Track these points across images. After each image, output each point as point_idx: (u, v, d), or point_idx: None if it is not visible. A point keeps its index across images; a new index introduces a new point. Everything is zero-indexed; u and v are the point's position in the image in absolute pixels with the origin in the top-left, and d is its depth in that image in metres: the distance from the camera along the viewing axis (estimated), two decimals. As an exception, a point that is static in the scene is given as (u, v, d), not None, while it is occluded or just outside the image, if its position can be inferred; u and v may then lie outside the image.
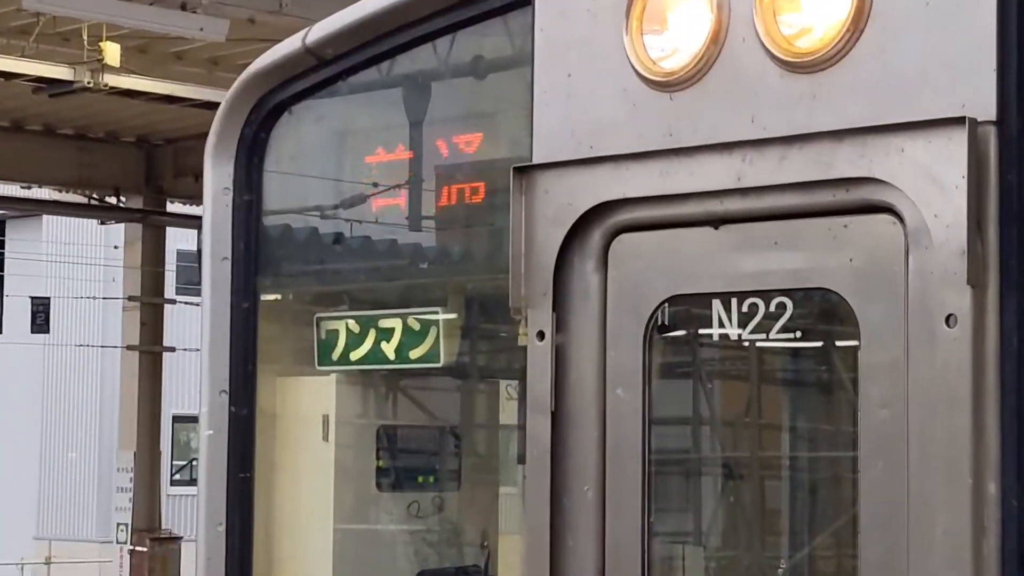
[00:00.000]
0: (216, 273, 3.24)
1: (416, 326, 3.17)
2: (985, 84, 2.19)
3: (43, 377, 21.61)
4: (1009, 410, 2.18)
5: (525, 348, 2.64)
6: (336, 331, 3.29)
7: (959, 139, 2.15)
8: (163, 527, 12.78)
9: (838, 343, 2.64)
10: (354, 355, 3.26)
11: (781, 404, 3.02)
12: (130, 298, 12.86)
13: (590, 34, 2.65)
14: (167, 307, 13.31)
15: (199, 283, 3.35)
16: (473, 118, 3.15)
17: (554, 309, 2.60)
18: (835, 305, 2.48)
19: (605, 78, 2.62)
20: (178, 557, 12.08)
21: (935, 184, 2.21)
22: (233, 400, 3.13)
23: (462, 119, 3.17)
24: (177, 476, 14.95)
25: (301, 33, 3.06)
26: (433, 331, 3.12)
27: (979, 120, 2.15)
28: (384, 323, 3.19)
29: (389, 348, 3.18)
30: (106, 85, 8.65)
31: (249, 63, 3.30)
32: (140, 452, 12.89)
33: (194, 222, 11.65)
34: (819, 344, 2.76)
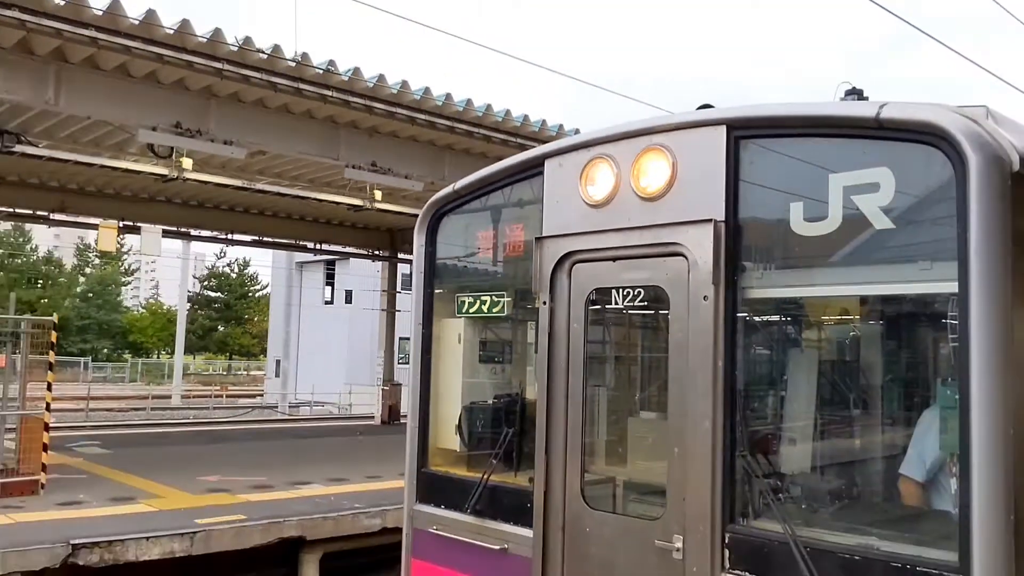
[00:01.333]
0: (418, 278, 6.09)
1: (496, 299, 6.25)
2: (718, 205, 4.39)
3: (350, 322, 46.81)
4: (726, 332, 4.30)
5: (538, 308, 5.29)
6: (464, 300, 5.99)
7: (709, 227, 4.38)
8: (395, 379, 26.31)
9: (662, 309, 4.79)
10: (471, 310, 5.98)
11: (639, 335, 5.66)
12: (383, 291, 26.93)
13: (565, 184, 5.12)
14: (397, 296, 26.75)
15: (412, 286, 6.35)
16: (519, 219, 5.67)
17: (549, 292, 5.13)
18: (661, 293, 4.71)
19: (571, 202, 5.06)
20: (399, 392, 25.68)
21: (700, 245, 4.43)
22: (424, 327, 6.06)
23: (515, 220, 5.71)
24: (400, 359, 26.95)
25: (453, 184, 5.87)
26: (502, 302, 5.93)
27: (717, 220, 4.41)
28: (483, 297, 6.00)
29: (484, 307, 5.96)
30: (374, 208, 17.40)
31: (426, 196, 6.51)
32: (386, 350, 27.90)
33: (409, 262, 20.98)
34: (654, 309, 5.09)
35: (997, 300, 3.58)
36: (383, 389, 27.01)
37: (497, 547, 5.39)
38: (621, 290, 5.04)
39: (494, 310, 5.92)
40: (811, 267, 4.32)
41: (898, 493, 4.37)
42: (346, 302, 47.70)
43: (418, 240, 6.22)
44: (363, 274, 41.86)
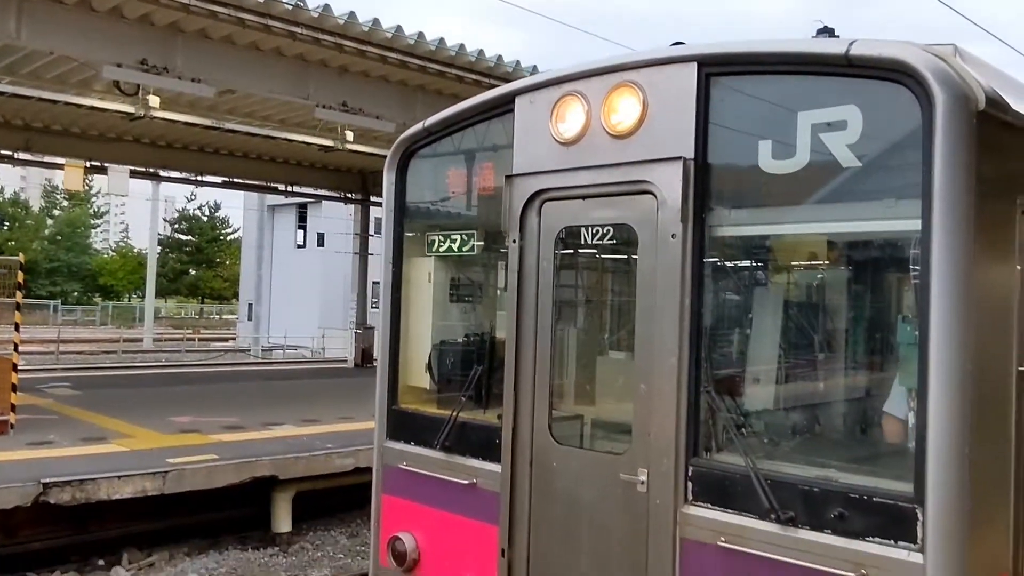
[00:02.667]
0: (387, 216, 6.05)
1: (466, 238, 6.21)
2: (687, 143, 4.36)
3: (323, 266, 46.10)
4: (693, 270, 4.31)
5: (508, 247, 5.22)
6: (434, 239, 5.96)
7: (679, 165, 4.36)
8: (367, 323, 26.18)
9: (631, 246, 4.79)
10: (441, 249, 5.96)
11: (608, 272, 5.67)
12: (356, 234, 26.70)
13: (535, 122, 5.08)
14: (370, 239, 26.47)
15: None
16: (489, 158, 5.65)
17: (519, 231, 5.11)
18: (630, 230, 4.70)
19: (541, 140, 5.03)
20: (372, 335, 25.09)
21: (669, 183, 4.40)
22: (394, 266, 6.02)
23: (485, 158, 5.68)
24: (373, 303, 26.12)
25: (423, 121, 5.78)
26: (472, 241, 5.88)
27: (686, 158, 4.39)
28: (453, 235, 5.94)
29: (455, 246, 5.94)
30: (346, 149, 16.68)
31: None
32: (359, 294, 28.04)
33: (382, 205, 22.64)
34: (624, 246, 4.99)
35: (959, 238, 3.63)
36: (356, 333, 27.09)
37: (466, 482, 5.46)
38: (590, 228, 5.03)
39: (464, 249, 5.91)
40: (778, 205, 4.35)
41: (861, 428, 4.47)
42: (318, 245, 47.42)
43: (387, 178, 6.16)
44: (336, 217, 41.60)
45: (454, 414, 5.60)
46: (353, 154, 19.54)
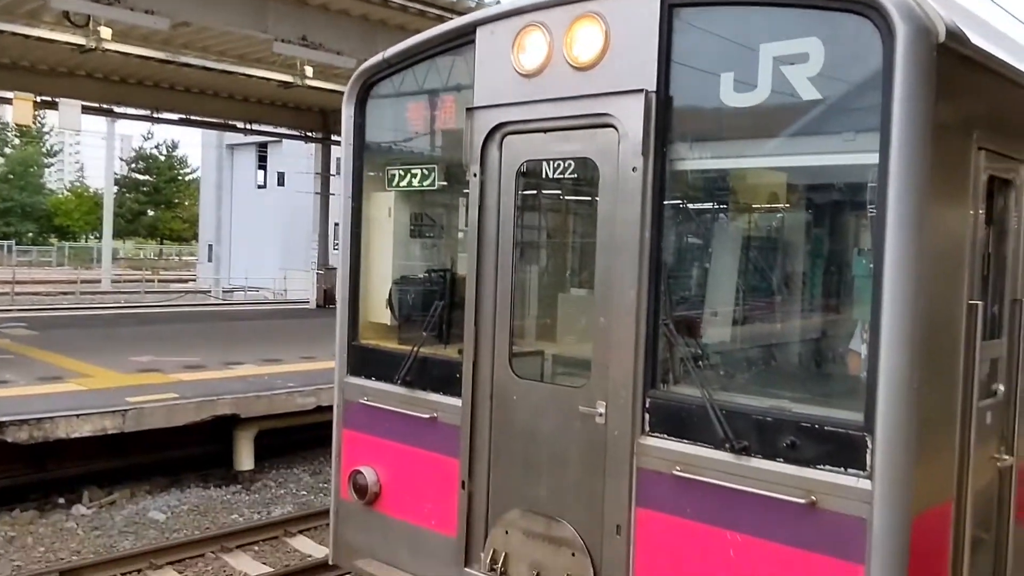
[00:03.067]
0: (347, 151, 5.94)
1: (426, 171, 6.12)
2: (649, 75, 4.31)
3: (284, 206, 45.29)
4: (653, 204, 4.31)
5: (468, 181, 5.17)
6: (394, 174, 5.88)
7: (640, 97, 4.31)
8: (329, 263, 26.31)
9: (592, 179, 4.78)
10: (401, 183, 5.88)
11: (569, 205, 5.70)
12: (317, 174, 26.55)
13: (497, 53, 5.00)
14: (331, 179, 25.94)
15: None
16: (450, 90, 5.54)
17: (480, 165, 5.06)
18: (591, 164, 4.69)
19: (503, 72, 4.95)
20: (334, 276, 24.67)
21: (630, 116, 4.36)
22: (354, 201, 5.93)
23: (446, 91, 5.57)
24: (335, 245, 25.40)
25: (383, 52, 5.68)
26: (432, 174, 5.78)
27: (648, 90, 4.32)
28: (413, 169, 5.84)
29: (415, 181, 5.84)
30: (306, 85, 16.55)
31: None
32: (320, 235, 27.94)
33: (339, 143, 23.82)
34: (585, 180, 4.99)
35: (916, 172, 3.66)
36: (318, 274, 26.92)
37: (426, 416, 5.49)
38: (552, 162, 5.00)
39: (425, 184, 5.85)
40: (739, 138, 4.35)
41: (815, 361, 4.55)
42: (279, 185, 46.76)
43: (346, 111, 6.05)
44: (296, 156, 41.10)
45: (415, 350, 5.60)
46: (313, 91, 19.12)
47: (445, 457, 5.41)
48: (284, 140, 33.57)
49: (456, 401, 5.35)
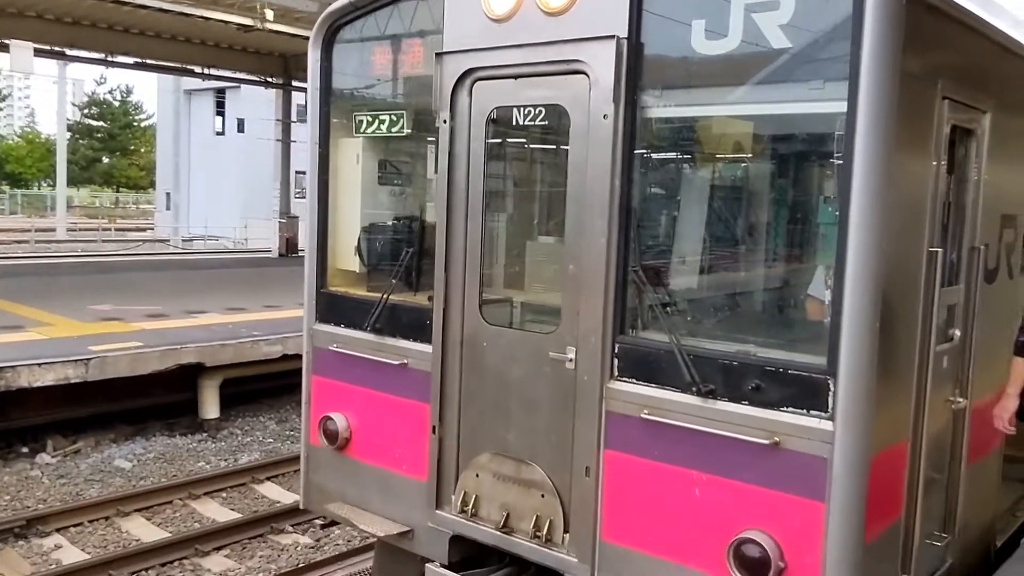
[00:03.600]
0: (313, 96, 5.84)
1: (395, 118, 6.09)
2: (621, 22, 4.30)
3: (244, 153, 44.29)
4: (624, 151, 4.33)
5: (438, 128, 5.14)
6: (362, 120, 5.82)
7: (612, 43, 4.31)
8: (291, 212, 26.73)
9: (562, 127, 4.76)
10: (369, 129, 5.82)
11: (539, 151, 5.69)
12: (278, 120, 26.23)
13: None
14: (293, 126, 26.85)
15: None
16: (419, 35, 5.47)
17: (450, 111, 5.04)
18: (562, 111, 4.67)
19: (473, 17, 4.90)
20: (296, 225, 26.44)
21: (602, 63, 4.36)
22: (321, 147, 5.86)
23: (415, 35, 5.50)
24: (297, 193, 27.12)
25: None
26: (401, 120, 5.72)
27: (620, 36, 4.32)
28: (382, 116, 5.78)
29: (383, 127, 5.78)
30: (266, 29, 16.98)
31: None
32: (282, 183, 27.68)
33: (305, 90, 22.89)
34: (556, 126, 4.97)
35: (883, 120, 3.71)
36: (280, 222, 26.66)
37: (396, 362, 5.53)
38: (522, 109, 4.99)
39: (393, 129, 5.80)
40: (709, 86, 4.38)
41: (779, 306, 4.64)
42: (239, 132, 45.93)
43: (312, 55, 5.94)
44: (255, 101, 40.24)
45: (384, 297, 5.61)
46: (274, 35, 18.82)
47: (415, 403, 5.47)
48: (243, 86, 32.89)
49: (426, 348, 5.38)
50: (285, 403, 14.11)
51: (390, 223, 6.13)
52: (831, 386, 3.87)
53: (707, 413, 4.21)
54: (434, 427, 5.37)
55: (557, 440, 4.83)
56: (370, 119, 5.90)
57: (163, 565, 8.39)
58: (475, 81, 5.10)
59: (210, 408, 12.76)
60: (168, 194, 51.92)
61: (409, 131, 5.78)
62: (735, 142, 4.76)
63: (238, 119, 46.59)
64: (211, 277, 21.36)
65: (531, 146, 5.69)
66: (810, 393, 3.94)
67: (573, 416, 4.73)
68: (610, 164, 4.49)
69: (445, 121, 5.20)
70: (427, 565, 5.23)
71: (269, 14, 15.63)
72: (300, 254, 27.75)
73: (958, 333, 4.86)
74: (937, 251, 4.31)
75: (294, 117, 26.93)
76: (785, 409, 4.01)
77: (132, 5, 18.38)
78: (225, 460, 11.75)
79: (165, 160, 52.71)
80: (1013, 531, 6.08)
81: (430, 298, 5.41)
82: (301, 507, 6.41)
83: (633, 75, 4.42)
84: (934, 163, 4.28)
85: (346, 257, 6.16)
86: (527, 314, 5.35)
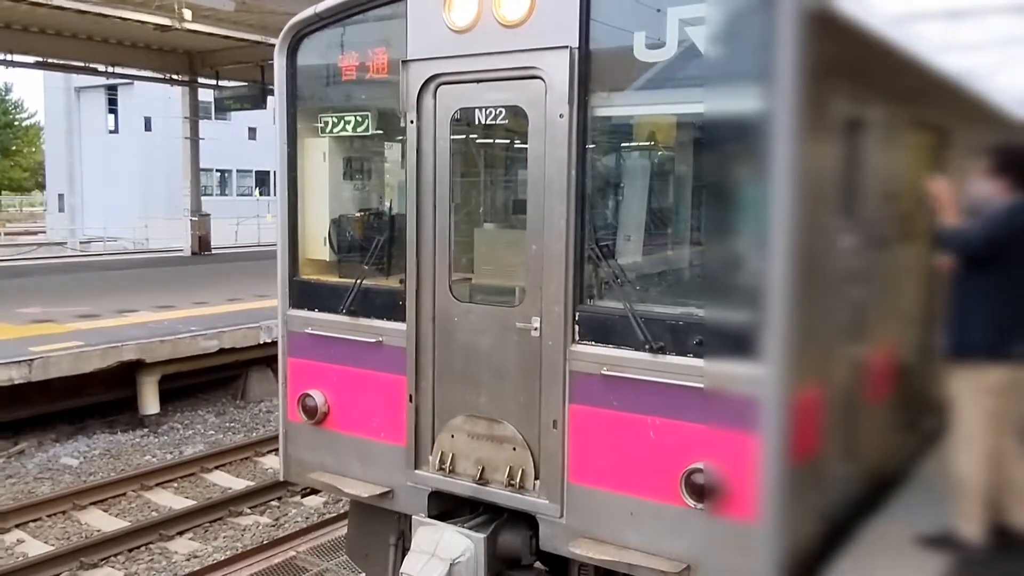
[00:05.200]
0: (280, 99, 6.35)
1: (359, 117, 6.67)
2: (572, 34, 4.95)
3: (143, 151, 45.80)
4: (578, 145, 4.98)
5: (405, 127, 5.77)
6: (328, 121, 6.34)
7: (565, 53, 4.97)
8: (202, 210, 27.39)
9: (521, 127, 5.36)
10: (335, 130, 6.36)
11: (501, 147, 6.30)
12: (186, 118, 25.86)
13: (428, 11, 5.52)
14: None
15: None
16: (382, 42, 5.94)
17: (416, 111, 5.64)
18: (521, 111, 5.27)
19: (435, 28, 5.49)
20: (209, 222, 27.66)
21: (556, 70, 5.01)
22: (289, 147, 6.43)
23: (377, 43, 5.97)
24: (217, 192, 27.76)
25: (315, 7, 6.07)
26: (367, 121, 6.32)
27: (572, 47, 4.99)
28: (347, 116, 6.39)
29: (349, 127, 6.34)
30: (184, 28, 17.08)
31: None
32: (192, 182, 27.58)
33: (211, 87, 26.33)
34: (515, 126, 5.61)
35: (797, 116, 4.51)
36: (191, 220, 26.47)
37: (372, 340, 6.12)
38: (484, 109, 5.63)
39: (358, 130, 6.35)
40: (650, 88, 5.11)
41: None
42: (146, 130, 44.89)
43: (278, 62, 6.47)
44: (151, 98, 39.59)
45: (358, 282, 6.18)
46: (181, 33, 18.79)
47: (392, 375, 6.06)
48: (136, 82, 32.34)
49: (400, 326, 5.99)
50: (221, 396, 14.40)
51: (358, 215, 6.69)
52: (761, 337, 4.66)
53: (658, 366, 4.95)
54: (411, 396, 5.98)
55: (525, 399, 5.51)
56: (335, 120, 6.45)
57: (130, 551, 8.73)
58: (439, 85, 5.72)
59: (150, 404, 12.98)
60: (61, 195, 50.31)
61: (374, 131, 6.35)
62: (673, 136, 5.52)
63: (145, 117, 45.59)
64: (127, 277, 21.23)
65: (492, 141, 6.34)
66: (744, 344, 4.72)
67: (540, 377, 5.43)
68: (567, 157, 5.18)
69: (412, 121, 5.80)
70: (414, 517, 5.84)
71: (187, 14, 15.73)
72: (214, 252, 27.64)
73: (856, 292, 5.74)
74: (838, 224, 5.17)
75: (203, 114, 26.84)
76: (724, 359, 4.78)
77: (30, 2, 18.08)
78: (170, 453, 12.03)
79: (55, 160, 51.07)
80: (906, 464, 7.08)
81: (401, 281, 6.01)
82: (281, 479, 6.92)
83: (584, 80, 5.13)
84: (835, 150, 5.13)
85: (316, 248, 6.70)
86: (494, 291, 5.99)
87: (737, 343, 4.74)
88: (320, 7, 6.25)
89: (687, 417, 4.90)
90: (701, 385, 4.82)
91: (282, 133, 6.54)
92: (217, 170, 57.88)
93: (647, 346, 4.96)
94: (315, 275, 6.66)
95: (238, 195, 65.39)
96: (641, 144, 5.66)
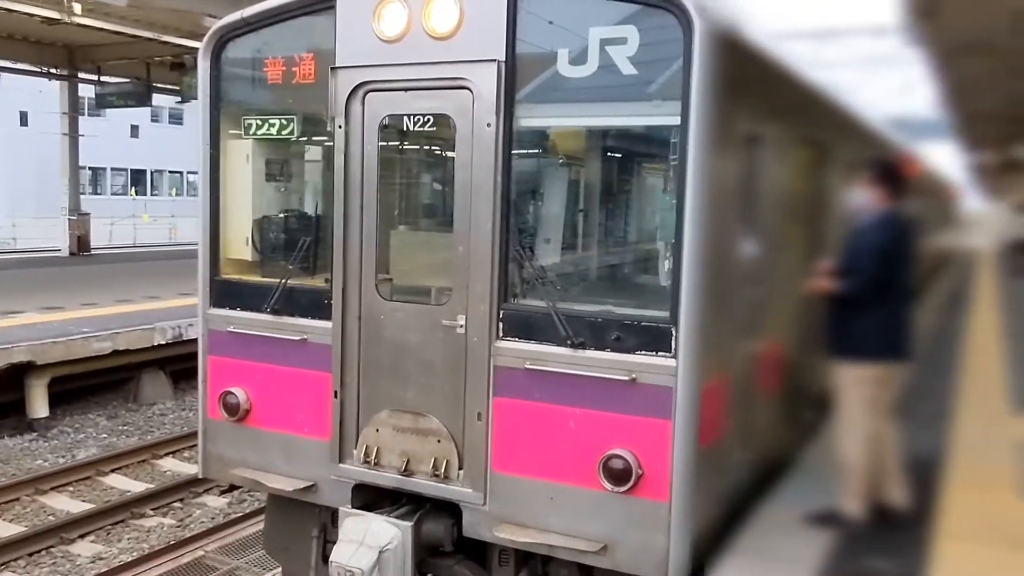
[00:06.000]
0: (204, 102, 6.42)
1: (284, 120, 6.79)
2: (500, 48, 5.23)
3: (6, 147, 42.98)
4: (504, 153, 5.26)
5: (334, 132, 5.93)
6: (252, 123, 6.47)
7: (493, 66, 5.24)
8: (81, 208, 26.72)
9: (448, 134, 5.59)
10: (259, 132, 6.49)
11: (426, 153, 6.59)
12: (64, 113, 25.22)
13: (358, 20, 5.70)
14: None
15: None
16: (309, 48, 6.08)
17: (344, 116, 5.82)
18: (449, 119, 5.50)
19: (365, 37, 5.68)
20: (88, 222, 27.03)
21: (484, 82, 5.26)
22: (212, 148, 6.50)
23: (305, 48, 6.11)
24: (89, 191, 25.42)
25: (242, 12, 6.19)
26: (292, 124, 6.51)
27: (500, 60, 5.30)
28: (272, 119, 6.70)
29: (273, 130, 6.48)
30: (73, 22, 16.65)
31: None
32: (71, 180, 26.51)
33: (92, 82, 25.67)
34: (441, 133, 5.80)
35: (706, 130, 4.97)
36: (70, 219, 25.46)
37: (297, 338, 6.27)
38: (412, 116, 5.88)
39: (283, 132, 6.49)
40: (572, 102, 5.49)
41: (631, 274, 5.88)
42: (22, 125, 42.65)
43: (202, 65, 6.54)
44: (11, 89, 37.61)
45: (283, 281, 6.32)
46: (62, 26, 18.03)
47: (316, 372, 6.23)
48: (3, 74, 30.82)
49: (326, 324, 6.16)
50: (112, 399, 14.05)
51: (282, 216, 6.83)
52: (673, 333, 5.09)
53: (578, 360, 5.32)
54: (336, 392, 6.16)
55: (451, 393, 5.79)
56: (260, 122, 6.58)
57: (31, 555, 8.54)
58: (368, 92, 5.94)
59: (39, 407, 12.58)
60: (-83, 194, 47.33)
61: (299, 134, 6.51)
62: (593, 146, 5.93)
63: (21, 112, 43.33)
64: (5, 278, 20.30)
65: (420, 147, 6.60)
66: (658, 339, 5.14)
67: (465, 372, 5.71)
68: (493, 164, 5.49)
69: (340, 126, 6.00)
70: (341, 508, 6.03)
71: (77, 7, 15.25)
72: (94, 252, 26.65)
73: (752, 292, 6.27)
74: (738, 229, 5.67)
75: (85, 110, 25.88)
76: (639, 353, 5.19)
77: None
78: (63, 457, 11.71)
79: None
80: (791, 451, 7.70)
81: (326, 280, 6.18)
82: (200, 476, 6.97)
83: (511, 92, 5.46)
84: (736, 162, 5.63)
85: (238, 248, 6.80)
86: (420, 290, 6.23)
87: (652, 337, 5.16)
88: (247, 12, 6.37)
89: (605, 407, 5.27)
90: (619, 377, 5.19)
91: (204, 134, 6.61)
92: (90, 168, 55.64)
93: (568, 341, 5.32)
94: (237, 275, 6.75)
95: (112, 194, 63.02)
96: (566, 153, 6.03)
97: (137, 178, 67.01)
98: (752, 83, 5.85)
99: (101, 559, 8.63)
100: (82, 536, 9.04)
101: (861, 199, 6.07)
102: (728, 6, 5.47)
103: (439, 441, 5.84)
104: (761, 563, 5.45)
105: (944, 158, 34.78)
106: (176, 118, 60.31)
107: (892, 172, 6.05)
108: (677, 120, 4.98)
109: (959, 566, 5.46)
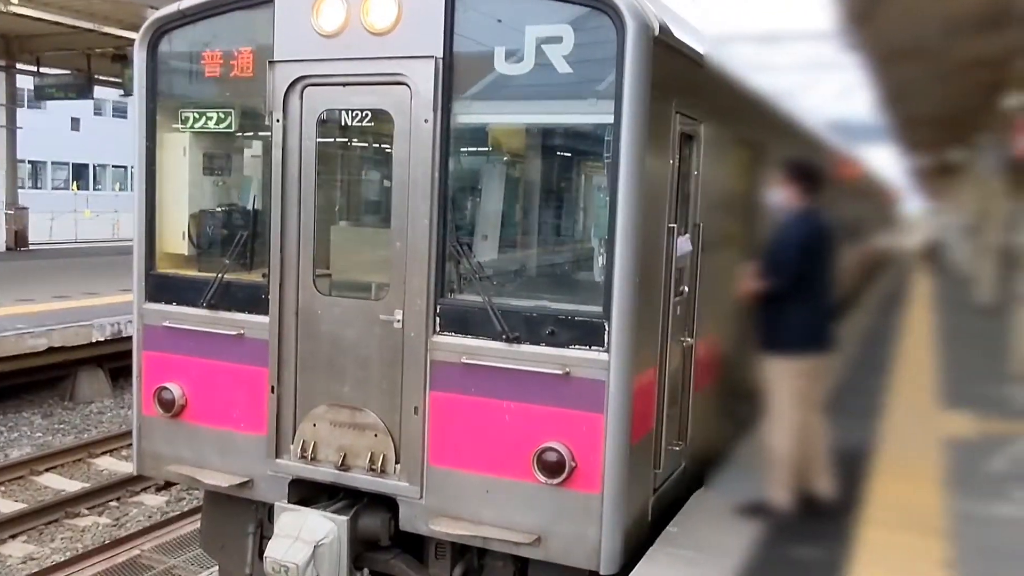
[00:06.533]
0: (140, 94, 6.37)
1: (222, 114, 6.74)
2: (438, 44, 5.26)
3: None
4: (441, 149, 5.27)
5: (271, 126, 5.91)
6: (189, 116, 6.41)
7: (431, 62, 5.27)
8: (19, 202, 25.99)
9: (386, 129, 5.59)
10: (197, 125, 6.43)
11: (364, 149, 6.60)
12: (2, 105, 24.13)
13: (296, 14, 5.70)
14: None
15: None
16: (247, 41, 6.05)
17: (282, 110, 5.81)
18: (387, 115, 5.52)
19: (303, 32, 5.68)
20: (27, 216, 26.42)
21: (422, 78, 5.29)
22: (148, 141, 6.45)
23: (242, 42, 6.07)
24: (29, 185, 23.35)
25: (179, 3, 6.17)
26: (229, 117, 6.58)
27: (437, 56, 5.33)
28: (209, 112, 6.65)
29: (211, 123, 6.43)
30: (10, 12, 16.04)
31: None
32: (8, 173, 25.89)
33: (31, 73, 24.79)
34: (379, 128, 5.84)
35: (639, 128, 5.06)
36: (7, 214, 24.86)
37: (233, 333, 6.24)
38: (350, 111, 5.89)
39: (221, 126, 6.45)
40: (509, 99, 5.55)
41: (565, 270, 5.96)
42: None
43: (138, 56, 6.47)
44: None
45: (219, 276, 6.28)
46: (2, 16, 17.77)
47: (253, 367, 6.21)
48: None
49: (262, 319, 6.14)
50: (47, 397, 13.77)
51: (219, 210, 6.78)
52: (606, 327, 5.18)
53: (514, 355, 5.39)
54: (272, 387, 6.15)
55: (388, 388, 5.82)
56: (197, 116, 6.53)
57: (-41, 555, 8.35)
58: (306, 86, 5.94)
59: (-31, 406, 12.27)
60: None
61: (236, 127, 6.47)
62: (529, 144, 5.99)
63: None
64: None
65: (358, 142, 6.60)
66: (591, 334, 5.23)
67: (402, 367, 5.74)
68: (431, 159, 5.53)
69: (278, 120, 5.98)
70: (276, 503, 6.02)
71: (14, -4, 14.96)
72: (32, 248, 26.04)
73: (686, 289, 6.40)
74: (673, 227, 5.79)
75: (24, 102, 25.31)
76: (573, 347, 5.27)
77: None
78: (-6, 456, 11.45)
79: None
80: (726, 445, 7.88)
81: (264, 275, 6.17)
82: (135, 473, 6.90)
83: (448, 88, 5.50)
84: (671, 161, 5.75)
85: (175, 242, 6.74)
86: (357, 285, 6.25)
87: (586, 332, 5.25)
88: (184, 4, 6.32)
89: (540, 401, 5.35)
90: (553, 371, 5.27)
91: (140, 127, 6.55)
92: (29, 161, 54.31)
93: (504, 336, 5.38)
94: (173, 269, 6.69)
95: (53, 188, 61.56)
96: (499, 150, 6.09)
97: (79, 172, 65.59)
98: (686, 84, 5.97)
99: (33, 559, 8.48)
100: (13, 536, 8.87)
101: (778, 198, 6.25)
102: (664, 9, 5.57)
103: (376, 435, 5.86)
104: (690, 553, 5.57)
105: (884, 161, 35.62)
106: (120, 111, 59.10)
107: (806, 171, 6.25)
108: (611, 119, 5.06)
109: (877, 551, 5.64)
